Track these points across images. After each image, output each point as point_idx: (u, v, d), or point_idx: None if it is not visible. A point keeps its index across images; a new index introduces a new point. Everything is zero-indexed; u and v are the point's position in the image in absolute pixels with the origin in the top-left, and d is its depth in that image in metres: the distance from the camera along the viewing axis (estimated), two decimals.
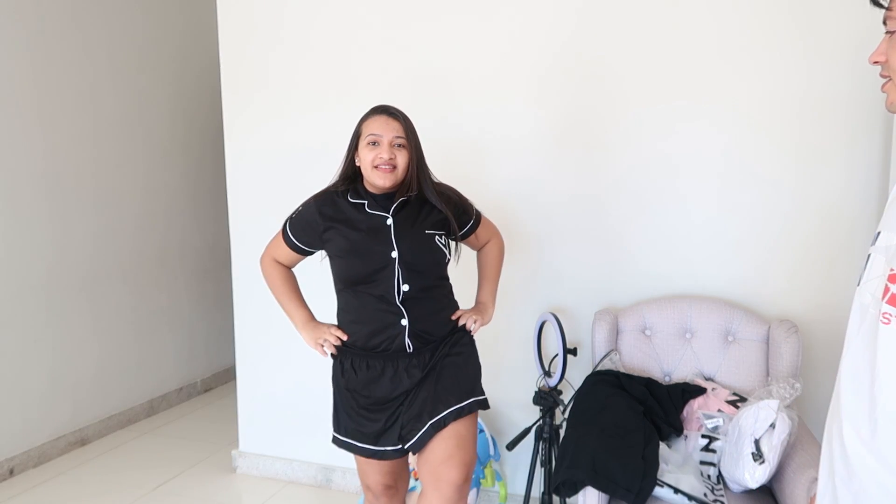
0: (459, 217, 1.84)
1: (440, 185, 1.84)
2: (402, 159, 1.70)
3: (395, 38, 2.60)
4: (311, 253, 1.87)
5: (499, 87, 2.48)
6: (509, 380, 2.53)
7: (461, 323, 1.84)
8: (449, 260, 1.82)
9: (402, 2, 2.57)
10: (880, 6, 0.88)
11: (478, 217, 1.91)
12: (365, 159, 1.71)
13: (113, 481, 2.97)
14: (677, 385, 2.13)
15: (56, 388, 3.24)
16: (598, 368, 2.18)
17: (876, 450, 0.80)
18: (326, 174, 2.73)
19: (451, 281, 1.86)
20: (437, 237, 1.76)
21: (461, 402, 1.73)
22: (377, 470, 1.85)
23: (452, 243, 1.83)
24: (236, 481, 2.99)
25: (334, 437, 1.85)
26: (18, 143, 3.02)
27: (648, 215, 2.39)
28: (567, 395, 2.23)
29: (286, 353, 2.91)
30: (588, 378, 2.15)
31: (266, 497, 2.84)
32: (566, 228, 2.47)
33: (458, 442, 1.71)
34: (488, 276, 1.98)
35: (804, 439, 1.88)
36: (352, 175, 1.79)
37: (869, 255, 0.88)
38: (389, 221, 1.72)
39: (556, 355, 2.21)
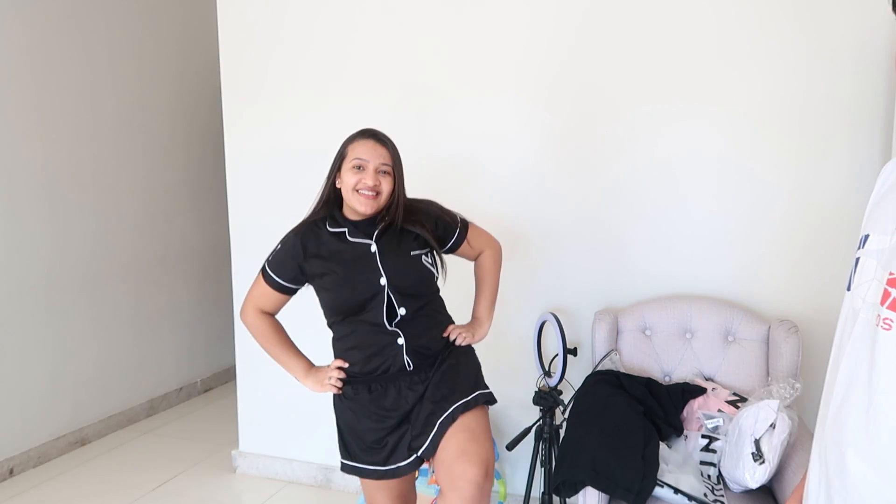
0: (442, 231, 1.79)
1: (416, 200, 1.79)
2: (386, 186, 1.66)
3: (395, 39, 2.60)
4: (295, 291, 1.78)
5: (498, 89, 2.48)
6: (509, 380, 2.53)
7: (451, 339, 1.79)
8: (438, 277, 1.78)
9: (403, 4, 2.57)
10: None
11: (464, 227, 1.84)
12: (347, 183, 1.65)
13: (113, 481, 2.97)
14: (677, 385, 2.13)
15: (56, 388, 3.24)
16: (598, 368, 2.18)
17: (875, 461, 0.76)
18: (325, 175, 2.76)
19: (441, 294, 1.83)
20: (423, 257, 1.72)
21: (466, 397, 1.70)
22: (387, 495, 1.81)
23: (439, 258, 1.78)
24: (236, 481, 2.99)
25: (343, 464, 1.78)
26: (18, 143, 3.02)
27: (649, 215, 2.38)
28: (567, 395, 2.23)
29: None
30: (588, 378, 2.15)
31: (266, 497, 2.84)
32: (566, 229, 2.47)
33: (470, 435, 1.65)
34: (483, 290, 1.91)
35: (804, 439, 1.88)
36: (332, 199, 1.73)
37: (858, 259, 0.85)
38: (374, 248, 1.68)
39: (556, 355, 2.21)
